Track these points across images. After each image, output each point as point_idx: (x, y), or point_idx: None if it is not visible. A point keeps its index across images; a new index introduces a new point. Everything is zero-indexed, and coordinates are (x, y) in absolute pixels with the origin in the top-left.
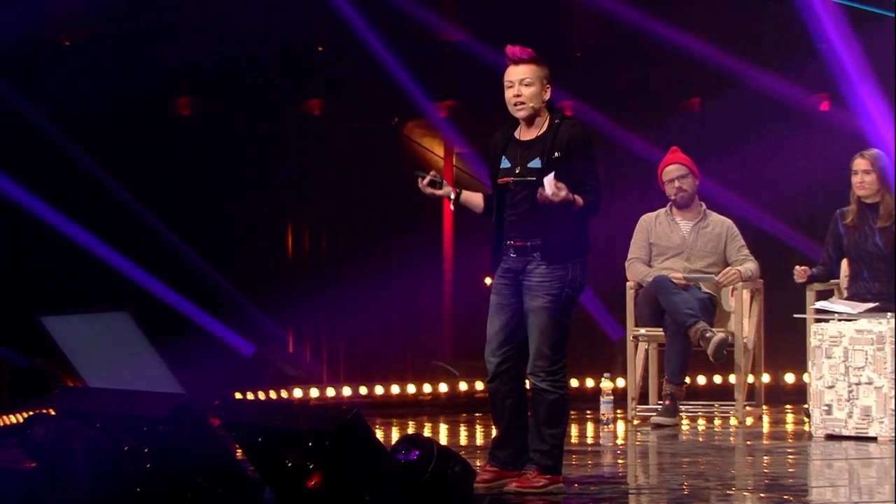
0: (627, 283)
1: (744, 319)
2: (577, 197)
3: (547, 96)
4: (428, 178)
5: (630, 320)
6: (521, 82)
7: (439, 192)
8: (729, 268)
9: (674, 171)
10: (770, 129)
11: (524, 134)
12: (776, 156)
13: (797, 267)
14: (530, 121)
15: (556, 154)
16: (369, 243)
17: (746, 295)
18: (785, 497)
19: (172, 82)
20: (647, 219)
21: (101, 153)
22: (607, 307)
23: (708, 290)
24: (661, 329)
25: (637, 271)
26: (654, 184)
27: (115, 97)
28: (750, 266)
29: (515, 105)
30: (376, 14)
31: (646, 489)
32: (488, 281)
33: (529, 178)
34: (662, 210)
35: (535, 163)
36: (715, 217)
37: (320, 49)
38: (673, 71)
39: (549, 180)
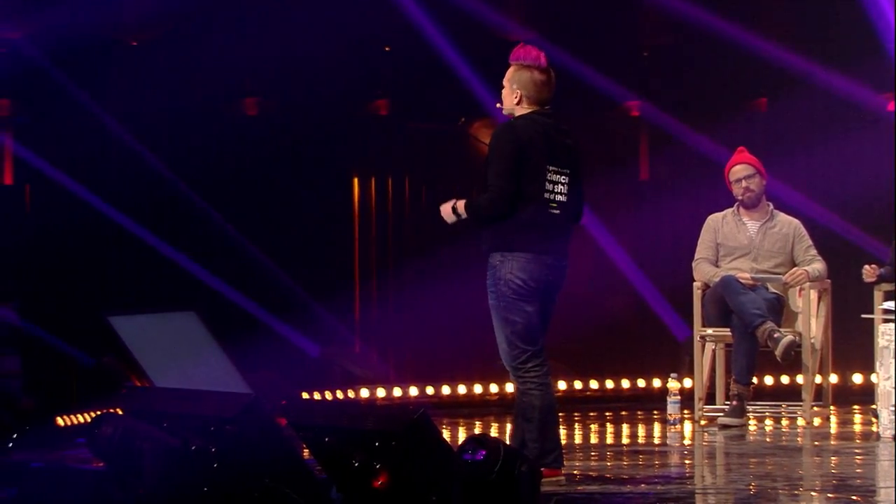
0: (694, 284)
1: (811, 320)
2: (457, 205)
3: (516, 100)
4: None
5: (697, 320)
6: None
7: None
8: (796, 268)
9: (741, 171)
10: (837, 128)
11: None
12: (843, 156)
13: (866, 266)
14: None
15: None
16: (436, 243)
17: (814, 295)
18: (853, 498)
19: (239, 82)
20: (714, 219)
21: (169, 153)
22: (674, 307)
23: (775, 291)
24: (728, 329)
25: (704, 271)
26: (721, 184)
27: (182, 97)
28: (817, 266)
29: None
30: (443, 14)
31: (712, 489)
32: None
33: None
34: (730, 210)
35: None
36: (782, 217)
37: (387, 49)
38: (740, 71)
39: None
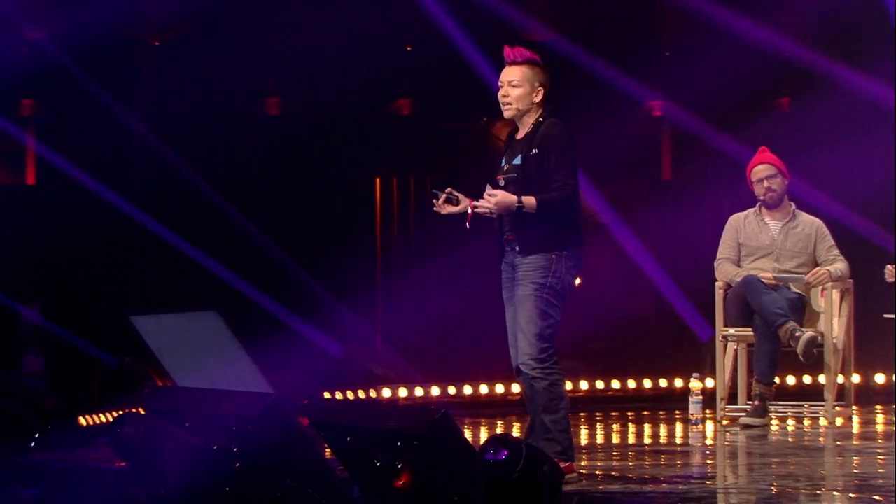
0: (716, 284)
1: (833, 320)
2: (525, 199)
3: (538, 98)
4: (443, 197)
5: (719, 320)
6: (510, 83)
7: (457, 209)
8: (818, 268)
9: (763, 171)
10: (859, 128)
11: (519, 133)
12: (866, 155)
13: (888, 266)
14: (522, 121)
15: (534, 151)
16: (458, 243)
17: (836, 295)
18: (875, 498)
19: (261, 82)
20: (736, 219)
21: (191, 153)
22: (696, 307)
23: (797, 291)
24: (750, 329)
25: (726, 271)
26: (743, 184)
27: (204, 97)
28: (839, 266)
29: (503, 105)
30: (464, 13)
31: (734, 489)
32: (577, 281)
33: (512, 175)
34: (752, 210)
35: (518, 160)
36: (804, 217)
37: (409, 49)
38: (762, 70)
39: (486, 192)
